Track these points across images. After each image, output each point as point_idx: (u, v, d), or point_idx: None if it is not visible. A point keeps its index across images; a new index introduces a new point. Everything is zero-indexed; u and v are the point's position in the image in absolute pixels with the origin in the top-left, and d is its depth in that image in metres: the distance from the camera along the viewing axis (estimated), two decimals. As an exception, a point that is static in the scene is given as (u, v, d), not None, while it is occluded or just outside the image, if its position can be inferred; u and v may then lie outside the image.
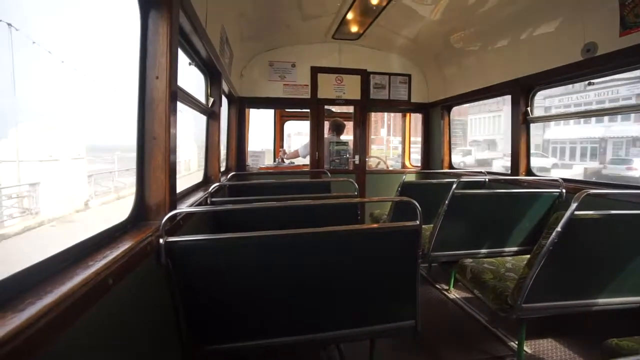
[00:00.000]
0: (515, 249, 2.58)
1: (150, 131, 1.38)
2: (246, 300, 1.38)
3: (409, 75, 4.67)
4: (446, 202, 2.33)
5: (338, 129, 4.85)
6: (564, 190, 2.44)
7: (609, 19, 2.19)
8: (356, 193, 2.37)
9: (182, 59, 1.92)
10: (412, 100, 4.70)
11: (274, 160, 5.09)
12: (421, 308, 1.55)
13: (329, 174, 3.54)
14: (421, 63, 4.61)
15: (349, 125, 4.95)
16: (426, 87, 4.71)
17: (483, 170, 3.81)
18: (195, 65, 2.39)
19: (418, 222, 1.42)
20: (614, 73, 2.46)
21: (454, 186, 2.30)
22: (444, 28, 3.56)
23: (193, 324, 1.36)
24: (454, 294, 2.83)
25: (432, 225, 2.50)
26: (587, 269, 1.70)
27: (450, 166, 4.55)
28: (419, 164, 5.00)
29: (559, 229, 1.51)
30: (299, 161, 5.08)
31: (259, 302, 1.40)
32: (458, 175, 2.91)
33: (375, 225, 1.50)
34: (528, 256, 1.71)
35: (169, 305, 1.31)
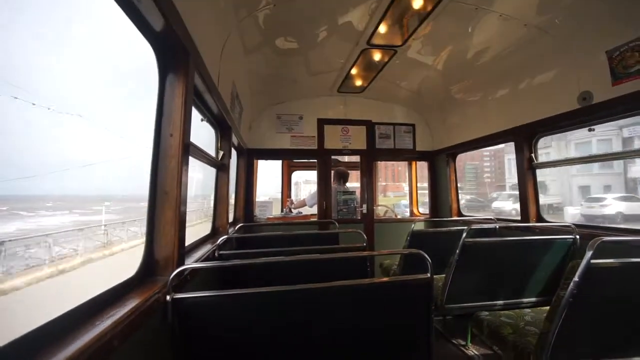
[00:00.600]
0: (533, 299, 2.45)
1: (163, 186, 1.42)
2: (254, 358, 1.32)
3: (413, 125, 4.81)
4: (457, 251, 2.26)
5: (343, 178, 4.90)
6: (577, 237, 2.37)
7: (601, 69, 2.29)
8: (365, 244, 2.34)
9: (195, 115, 2.01)
10: (417, 149, 4.80)
11: (282, 210, 5.09)
12: None
13: (336, 224, 3.52)
14: (424, 113, 4.76)
15: (355, 174, 5.01)
16: (430, 135, 4.83)
17: (492, 217, 3.75)
18: (207, 121, 2.50)
19: (429, 275, 1.39)
20: (612, 120, 2.51)
21: (464, 235, 2.26)
22: (445, 80, 3.73)
23: None
24: (472, 350, 2.65)
25: (444, 275, 2.41)
26: (615, 322, 1.59)
27: (459, 213, 4.51)
28: (427, 212, 4.97)
29: (576, 278, 1.44)
30: (307, 210, 5.08)
31: (265, 357, 1.33)
32: (467, 223, 2.86)
33: (385, 279, 1.47)
34: (548, 308, 1.62)
35: None
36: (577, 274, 1.44)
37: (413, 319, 1.44)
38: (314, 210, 4.72)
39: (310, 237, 3.08)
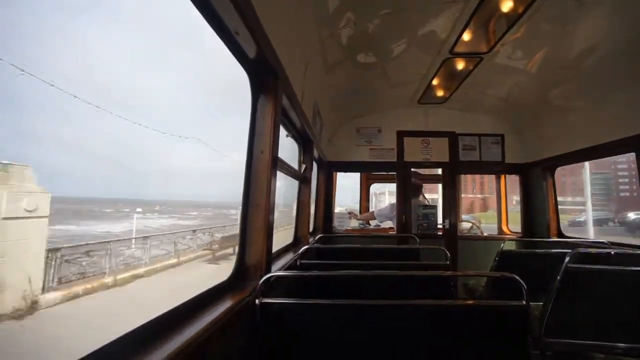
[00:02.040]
0: None
1: (254, 199, 1.57)
2: None
3: (502, 135, 4.44)
4: (558, 277, 1.97)
5: (415, 191, 4.72)
6: None
7: None
8: (448, 262, 2.22)
9: (281, 131, 2.18)
10: (507, 161, 4.40)
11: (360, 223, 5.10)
12: None
13: (417, 240, 3.39)
14: (515, 122, 4.37)
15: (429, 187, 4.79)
16: (522, 146, 4.39)
17: (605, 241, 3.22)
18: (292, 136, 2.67)
19: (524, 302, 1.27)
20: None
21: (568, 259, 1.96)
22: (540, 85, 3.38)
23: None
24: None
25: (540, 304, 2.12)
26: None
27: (560, 234, 3.98)
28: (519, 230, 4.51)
29: None
30: (386, 223, 4.99)
31: None
32: (572, 246, 2.50)
33: (473, 302, 1.38)
34: None
35: None
36: None
37: (504, 350, 1.32)
38: (392, 223, 4.63)
39: (390, 252, 3.03)
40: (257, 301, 1.31)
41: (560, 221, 4.08)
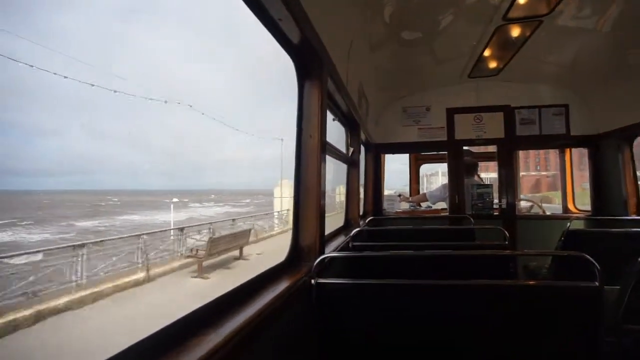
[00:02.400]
0: None
1: (305, 183, 1.61)
2: (385, 345, 1.37)
3: (566, 106, 4.05)
4: (639, 259, 1.79)
5: (470, 169, 4.49)
6: None
7: None
8: (506, 242, 2.12)
9: (327, 116, 2.19)
10: (573, 134, 4.02)
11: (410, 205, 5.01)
12: None
13: (471, 220, 3.25)
14: (581, 90, 3.95)
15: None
16: (591, 116, 3.97)
17: None
18: (338, 120, 2.67)
19: (597, 284, 1.17)
20: None
21: None
22: (615, 44, 2.95)
23: None
24: None
25: (616, 288, 1.93)
26: None
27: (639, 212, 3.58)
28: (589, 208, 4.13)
29: None
30: (439, 205, 4.84)
31: (397, 349, 1.37)
32: None
33: (536, 282, 1.29)
34: None
35: (316, 341, 1.40)
36: None
37: (572, 335, 1.24)
38: (445, 204, 4.48)
39: (444, 232, 2.95)
40: (312, 281, 1.35)
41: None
